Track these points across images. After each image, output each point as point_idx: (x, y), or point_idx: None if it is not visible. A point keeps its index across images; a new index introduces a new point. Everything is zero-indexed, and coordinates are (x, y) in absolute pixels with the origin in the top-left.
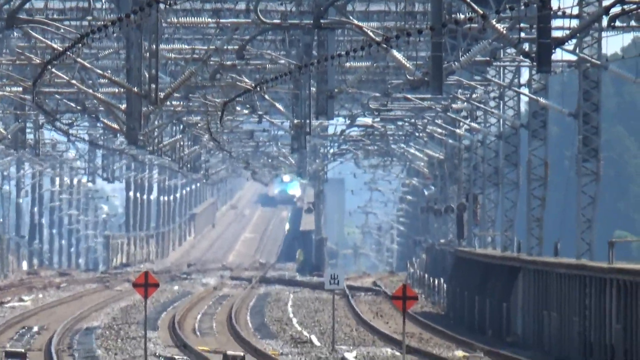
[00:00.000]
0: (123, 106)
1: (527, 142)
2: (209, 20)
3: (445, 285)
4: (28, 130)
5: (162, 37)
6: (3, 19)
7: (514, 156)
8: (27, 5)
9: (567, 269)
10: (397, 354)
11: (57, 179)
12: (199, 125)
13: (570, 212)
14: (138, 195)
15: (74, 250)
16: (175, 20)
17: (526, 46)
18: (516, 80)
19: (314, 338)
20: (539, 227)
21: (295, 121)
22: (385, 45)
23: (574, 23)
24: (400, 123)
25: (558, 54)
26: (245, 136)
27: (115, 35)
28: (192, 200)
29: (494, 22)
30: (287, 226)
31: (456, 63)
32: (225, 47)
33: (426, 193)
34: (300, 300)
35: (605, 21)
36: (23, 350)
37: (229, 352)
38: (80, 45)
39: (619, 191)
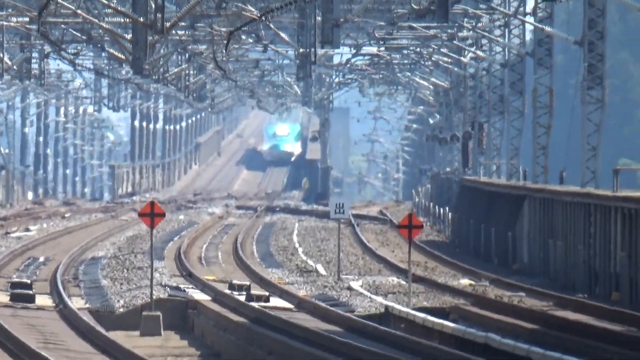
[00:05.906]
0: (129, 36)
1: (532, 71)
2: None
3: (450, 214)
4: (33, 60)
5: None
6: None
7: (520, 84)
8: None
9: (572, 197)
10: (403, 282)
11: (62, 109)
12: (204, 54)
13: (576, 140)
14: (144, 124)
15: (79, 180)
16: None
17: None
18: (522, 9)
19: (319, 267)
20: (545, 155)
21: (301, 50)
22: None
23: None
24: (405, 52)
25: None
26: (251, 65)
27: None
28: (197, 129)
29: None
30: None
31: None
32: None
33: (431, 121)
34: (305, 229)
35: None
36: (29, 281)
37: (235, 281)
38: None
39: (624, 117)
